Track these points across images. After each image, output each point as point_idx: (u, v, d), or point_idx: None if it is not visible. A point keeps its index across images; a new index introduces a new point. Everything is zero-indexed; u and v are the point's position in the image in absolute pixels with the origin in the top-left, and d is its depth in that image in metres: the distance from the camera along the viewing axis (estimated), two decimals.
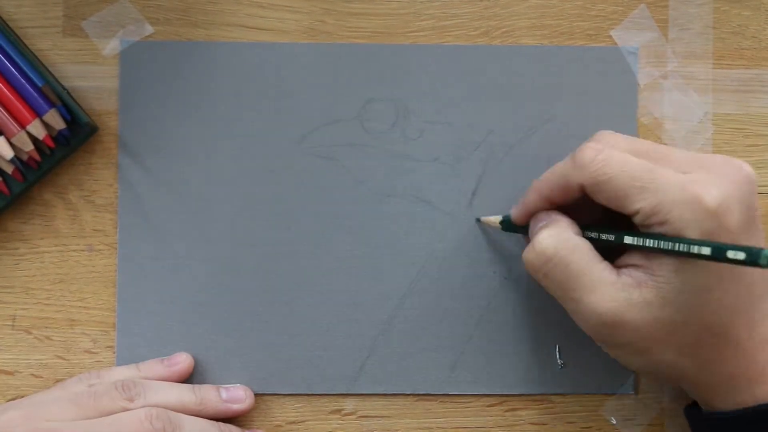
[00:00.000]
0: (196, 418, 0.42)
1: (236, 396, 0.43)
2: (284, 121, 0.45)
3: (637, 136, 0.45)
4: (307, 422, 0.44)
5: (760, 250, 0.32)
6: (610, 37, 0.45)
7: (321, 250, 0.44)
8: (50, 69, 0.44)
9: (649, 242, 0.36)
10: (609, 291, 0.37)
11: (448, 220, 0.45)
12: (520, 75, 0.45)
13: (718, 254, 0.33)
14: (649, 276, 0.37)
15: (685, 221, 0.35)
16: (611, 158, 0.37)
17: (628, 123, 0.45)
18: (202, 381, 0.44)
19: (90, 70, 0.44)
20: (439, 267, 0.44)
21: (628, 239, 0.37)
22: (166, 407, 0.41)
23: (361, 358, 0.44)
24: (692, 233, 0.35)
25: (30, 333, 0.44)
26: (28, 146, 0.42)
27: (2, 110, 0.42)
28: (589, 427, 0.45)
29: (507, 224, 0.43)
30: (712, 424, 0.39)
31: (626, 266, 0.38)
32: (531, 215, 0.41)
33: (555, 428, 0.45)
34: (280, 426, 0.44)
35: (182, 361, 0.43)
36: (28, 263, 0.44)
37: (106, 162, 0.44)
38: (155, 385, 0.42)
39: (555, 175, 0.39)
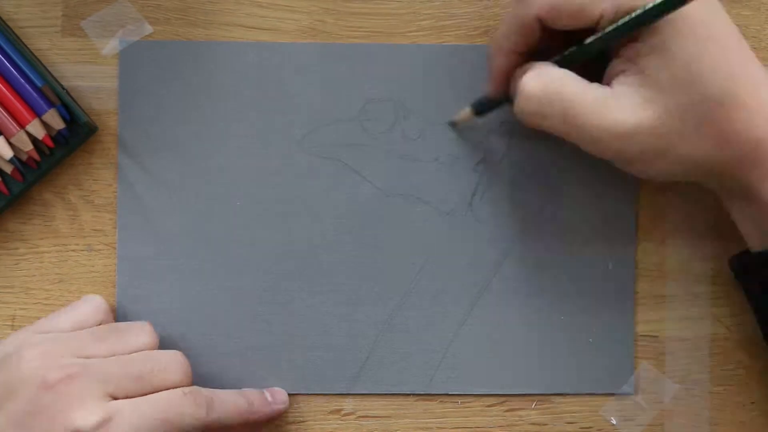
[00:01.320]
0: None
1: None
2: (284, 121, 0.44)
3: None
4: (306, 422, 0.44)
5: None
6: None
7: (320, 251, 0.44)
8: (49, 69, 0.44)
9: (610, 29, 0.36)
10: (609, 104, 0.37)
11: (448, 220, 0.45)
12: None
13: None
14: (639, 76, 0.37)
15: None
16: None
17: None
18: (201, 382, 0.44)
19: (89, 70, 0.44)
20: (439, 267, 0.44)
21: (592, 40, 0.37)
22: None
23: (360, 358, 0.44)
24: None
25: None
26: (28, 146, 0.42)
27: (1, 110, 0.42)
28: (589, 427, 0.45)
29: (482, 106, 0.42)
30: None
31: (615, 76, 0.38)
32: (505, 80, 0.41)
33: (555, 428, 0.45)
34: (279, 426, 0.44)
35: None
36: (27, 263, 0.44)
37: (105, 162, 0.44)
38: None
39: (508, 23, 0.39)
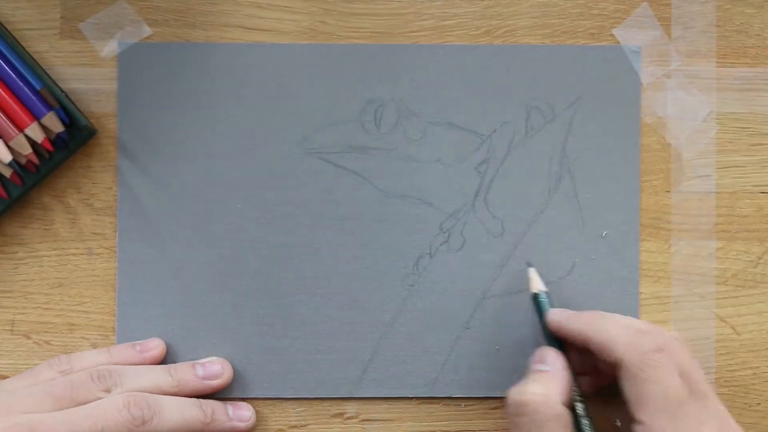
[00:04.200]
0: (175, 397, 0.41)
1: (213, 372, 0.43)
2: (284, 123, 0.44)
3: (641, 135, 0.44)
4: (309, 426, 0.44)
5: None
6: (613, 36, 0.45)
7: (322, 252, 0.44)
8: (48, 72, 0.44)
9: None
10: None
11: (451, 222, 0.44)
12: (521, 75, 0.44)
13: None
14: None
15: None
16: (668, 365, 0.37)
17: (632, 122, 0.45)
18: None
19: (88, 73, 0.44)
20: (442, 269, 0.44)
21: None
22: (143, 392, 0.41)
23: (363, 361, 0.44)
24: None
25: (29, 338, 0.44)
26: (27, 150, 0.42)
27: (0, 114, 0.41)
28: None
29: (537, 303, 0.42)
30: None
31: None
32: (561, 334, 0.40)
33: None
34: (282, 430, 0.44)
35: (155, 347, 0.43)
36: (26, 267, 0.44)
37: (104, 165, 0.44)
38: (131, 371, 0.41)
39: (607, 336, 0.38)
